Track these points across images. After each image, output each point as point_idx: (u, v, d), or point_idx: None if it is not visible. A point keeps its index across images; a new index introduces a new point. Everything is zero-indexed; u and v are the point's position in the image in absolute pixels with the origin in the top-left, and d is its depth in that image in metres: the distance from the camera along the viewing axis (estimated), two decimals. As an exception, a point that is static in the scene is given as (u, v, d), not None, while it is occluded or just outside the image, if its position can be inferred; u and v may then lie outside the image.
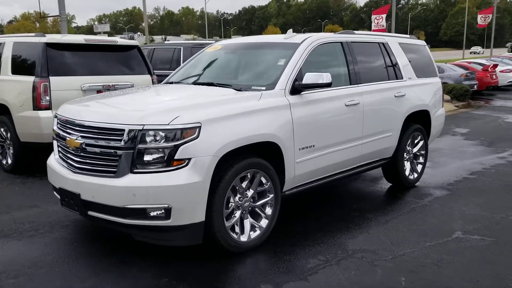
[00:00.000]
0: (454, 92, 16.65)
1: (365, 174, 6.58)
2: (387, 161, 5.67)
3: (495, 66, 20.43)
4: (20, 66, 6.50)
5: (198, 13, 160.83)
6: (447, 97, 16.54)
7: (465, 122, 11.96)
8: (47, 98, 6.07)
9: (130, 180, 3.48)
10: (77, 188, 3.72)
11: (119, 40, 7.09)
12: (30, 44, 6.43)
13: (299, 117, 4.28)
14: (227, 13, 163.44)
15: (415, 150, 6.08)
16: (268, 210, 4.14)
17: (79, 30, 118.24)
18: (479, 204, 5.29)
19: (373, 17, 21.55)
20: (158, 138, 3.46)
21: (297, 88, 4.33)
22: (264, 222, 4.11)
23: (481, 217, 4.88)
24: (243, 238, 3.94)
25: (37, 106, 6.06)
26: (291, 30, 5.09)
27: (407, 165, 5.98)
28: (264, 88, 4.26)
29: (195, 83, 4.85)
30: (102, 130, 3.65)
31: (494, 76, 20.03)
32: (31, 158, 6.57)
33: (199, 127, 3.52)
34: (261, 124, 3.97)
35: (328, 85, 4.31)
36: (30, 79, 6.11)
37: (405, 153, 5.88)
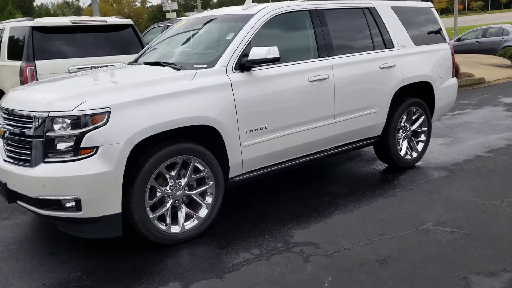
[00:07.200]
0: (515, 56, 15.06)
1: (364, 153, 6.04)
2: (376, 140, 5.13)
3: None
4: (14, 51, 6.60)
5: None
6: (507, 62, 15.02)
7: (517, 91, 10.73)
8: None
9: (41, 170, 3.32)
10: (4, 177, 3.64)
11: (108, 19, 6.95)
12: (20, 28, 6.48)
13: (245, 97, 3.90)
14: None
15: (414, 127, 5.44)
16: (208, 199, 3.85)
17: (151, 8, 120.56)
18: (475, 188, 4.62)
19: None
20: (64, 125, 3.27)
21: (245, 65, 3.95)
22: (203, 212, 3.82)
23: (469, 204, 4.25)
24: (175, 230, 3.69)
25: (24, 91, 6.10)
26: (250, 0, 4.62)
27: (403, 144, 5.37)
28: (205, 66, 3.92)
29: (145, 63, 4.57)
30: (17, 118, 3.52)
31: None
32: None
33: (108, 113, 3.27)
34: (192, 106, 3.65)
35: (275, 60, 3.89)
36: (18, 63, 6.17)
37: (400, 131, 5.30)
